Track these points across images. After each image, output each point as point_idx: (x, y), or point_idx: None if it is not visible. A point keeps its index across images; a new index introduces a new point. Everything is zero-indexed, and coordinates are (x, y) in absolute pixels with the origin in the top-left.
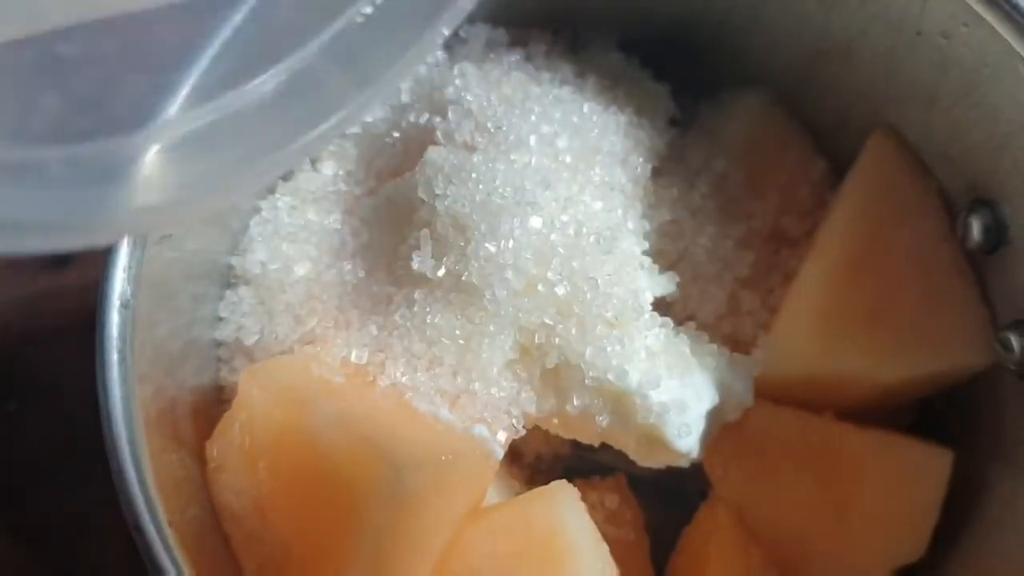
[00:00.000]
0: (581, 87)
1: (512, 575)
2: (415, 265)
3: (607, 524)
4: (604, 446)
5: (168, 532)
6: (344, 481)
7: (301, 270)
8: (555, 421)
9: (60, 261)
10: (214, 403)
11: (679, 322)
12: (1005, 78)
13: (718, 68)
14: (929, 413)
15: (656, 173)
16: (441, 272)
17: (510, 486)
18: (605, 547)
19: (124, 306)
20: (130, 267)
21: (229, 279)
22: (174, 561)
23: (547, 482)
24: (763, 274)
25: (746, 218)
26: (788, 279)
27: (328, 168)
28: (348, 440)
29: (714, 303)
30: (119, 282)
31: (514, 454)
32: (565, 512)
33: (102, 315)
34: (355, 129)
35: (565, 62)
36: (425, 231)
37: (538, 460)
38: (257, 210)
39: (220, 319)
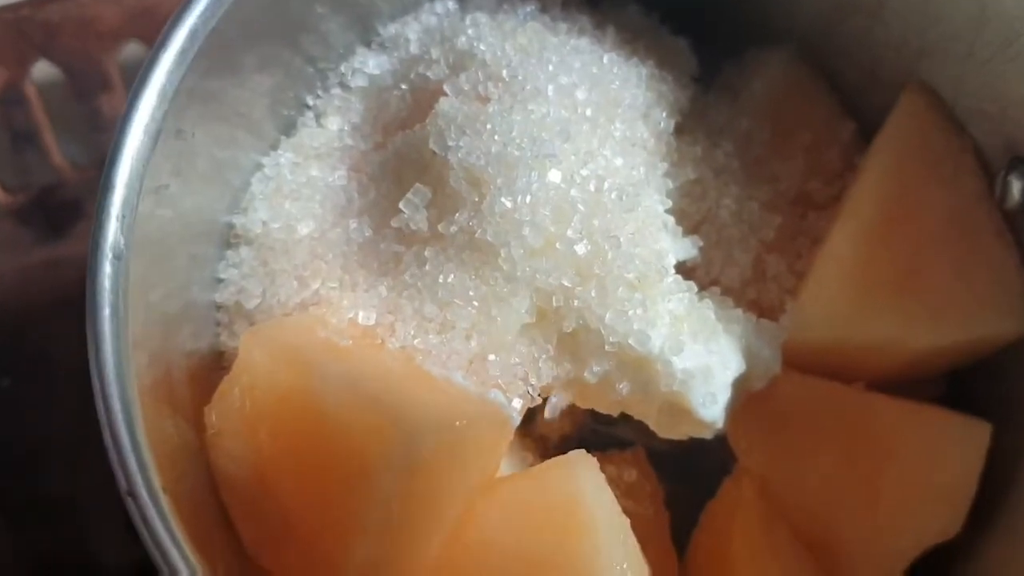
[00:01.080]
0: (600, 39)
1: (528, 548)
2: (405, 216)
3: (625, 499)
4: (622, 418)
5: (163, 498)
6: (352, 446)
7: (305, 229)
8: (573, 389)
9: (56, 233)
10: (213, 368)
11: (702, 287)
12: None
13: (741, 24)
14: (959, 382)
15: (678, 131)
16: (424, 225)
17: (523, 458)
18: (625, 520)
19: (117, 257)
20: (123, 216)
21: (229, 239)
22: (169, 530)
23: (562, 454)
24: (789, 238)
25: (771, 179)
26: (816, 243)
27: (333, 123)
28: (356, 403)
29: (739, 267)
30: (112, 232)
31: (527, 425)
32: (584, 483)
33: (93, 266)
34: (361, 82)
35: (583, 14)
36: (417, 185)
37: (552, 431)
38: (259, 167)
39: (220, 281)
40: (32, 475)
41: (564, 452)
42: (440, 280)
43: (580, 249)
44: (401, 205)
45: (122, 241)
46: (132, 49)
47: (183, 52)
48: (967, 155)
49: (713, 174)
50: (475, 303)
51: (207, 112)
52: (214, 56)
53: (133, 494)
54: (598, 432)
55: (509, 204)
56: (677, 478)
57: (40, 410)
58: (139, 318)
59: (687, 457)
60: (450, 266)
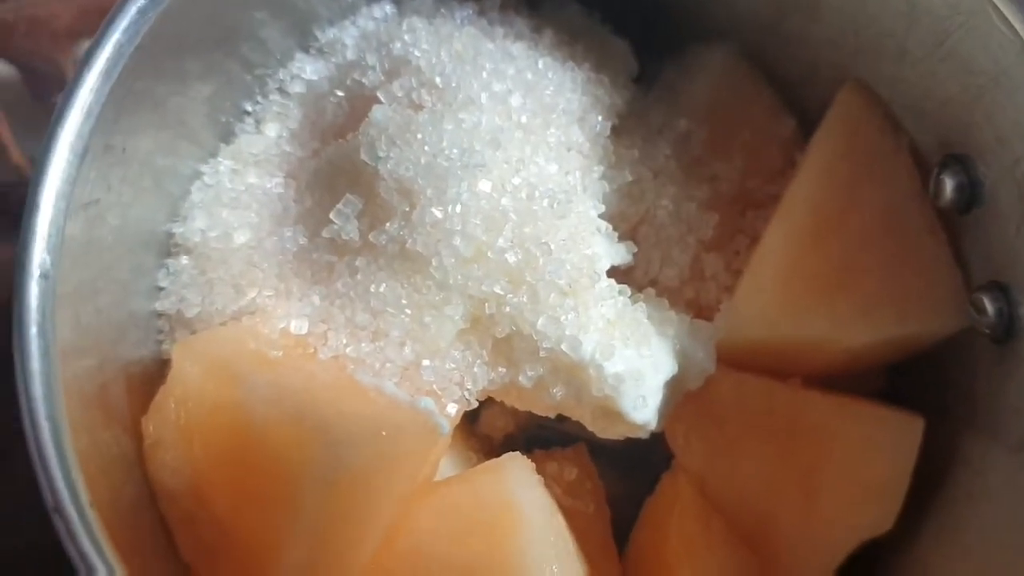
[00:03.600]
0: (537, 42)
1: (461, 551)
2: (336, 226)
3: (566, 496)
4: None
5: (90, 513)
6: (278, 459)
7: (241, 237)
8: (509, 393)
9: (17, 232)
10: (157, 377)
11: (640, 287)
12: (977, 27)
13: (682, 22)
14: (899, 378)
15: (616, 132)
16: (356, 235)
17: (468, 459)
18: (560, 520)
19: (44, 277)
20: (51, 235)
21: (170, 248)
22: (96, 543)
23: (508, 452)
24: (728, 237)
25: (710, 179)
26: (755, 242)
27: (271, 130)
28: (282, 416)
29: (677, 267)
30: (37, 252)
31: (472, 424)
32: (516, 485)
33: (19, 286)
34: (299, 88)
35: (520, 16)
36: (347, 195)
37: (497, 431)
38: (199, 175)
39: (161, 289)
40: None
41: (509, 450)
42: (372, 289)
43: (511, 257)
44: (332, 215)
45: (48, 260)
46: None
47: (107, 70)
48: (902, 153)
49: (651, 175)
50: (408, 311)
51: (142, 123)
52: (145, 69)
53: (59, 510)
54: (544, 429)
55: (439, 214)
56: (623, 474)
57: (3, 409)
58: (80, 330)
59: (634, 452)
60: (382, 275)
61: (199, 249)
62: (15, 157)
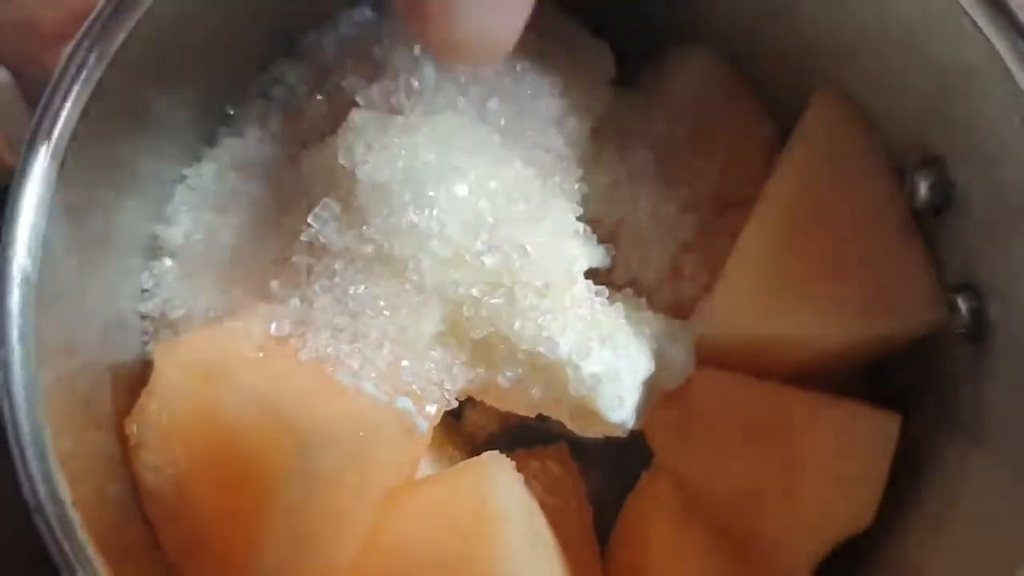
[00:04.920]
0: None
1: (442, 550)
2: (313, 229)
3: (548, 494)
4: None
5: (73, 514)
6: (254, 458)
7: (224, 240)
8: (488, 393)
9: None
10: (142, 379)
11: (619, 288)
12: (947, 30)
13: (661, 25)
14: (877, 377)
15: (595, 135)
16: (334, 238)
17: (450, 457)
18: (541, 518)
19: (25, 281)
20: (31, 240)
21: (154, 250)
22: (76, 543)
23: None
24: (707, 238)
25: (689, 180)
26: (733, 243)
27: (253, 133)
28: (258, 416)
29: (656, 268)
30: (19, 256)
31: (454, 424)
32: (496, 483)
33: (1, 291)
34: (280, 93)
35: None
36: (325, 199)
37: (480, 430)
38: (182, 178)
39: (145, 292)
40: None
41: (492, 449)
42: (350, 292)
43: (488, 260)
44: (309, 219)
45: (29, 266)
46: None
47: (86, 77)
48: (877, 155)
49: (629, 177)
50: (386, 313)
51: (124, 128)
52: (126, 74)
53: (40, 511)
54: (527, 428)
55: (416, 218)
56: (605, 472)
57: None
58: (63, 333)
59: (616, 451)
60: (360, 278)
61: (183, 252)
62: (8, 160)
